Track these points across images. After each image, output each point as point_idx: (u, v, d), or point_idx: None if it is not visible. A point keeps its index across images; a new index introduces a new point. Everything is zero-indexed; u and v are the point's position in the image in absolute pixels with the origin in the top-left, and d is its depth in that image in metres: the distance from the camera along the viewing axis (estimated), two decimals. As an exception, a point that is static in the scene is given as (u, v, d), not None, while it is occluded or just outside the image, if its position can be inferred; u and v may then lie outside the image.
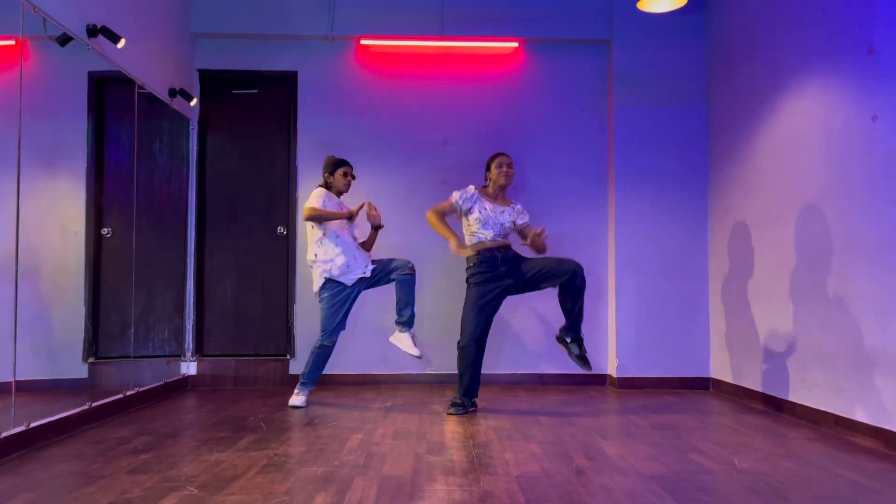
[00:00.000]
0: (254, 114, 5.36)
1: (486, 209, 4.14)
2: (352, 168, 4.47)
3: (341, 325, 4.27)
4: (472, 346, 4.02)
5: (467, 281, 4.15)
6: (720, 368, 4.92)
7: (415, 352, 4.25)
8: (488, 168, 4.27)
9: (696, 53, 5.21)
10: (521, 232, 4.26)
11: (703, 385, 5.07)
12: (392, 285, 4.34)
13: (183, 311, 5.07)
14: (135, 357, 4.22)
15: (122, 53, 4.01)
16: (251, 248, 5.29)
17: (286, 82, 5.33)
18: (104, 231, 3.91)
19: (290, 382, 5.13)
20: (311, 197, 4.21)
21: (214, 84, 5.33)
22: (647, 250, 5.12)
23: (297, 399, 4.28)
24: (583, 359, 4.08)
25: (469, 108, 5.32)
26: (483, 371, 5.13)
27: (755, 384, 4.37)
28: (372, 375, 5.15)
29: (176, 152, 4.94)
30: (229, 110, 5.34)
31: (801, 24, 3.90)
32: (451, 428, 3.60)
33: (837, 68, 3.57)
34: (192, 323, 5.16)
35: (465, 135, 5.29)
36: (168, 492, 2.41)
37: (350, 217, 4.26)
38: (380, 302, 4.97)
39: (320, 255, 4.22)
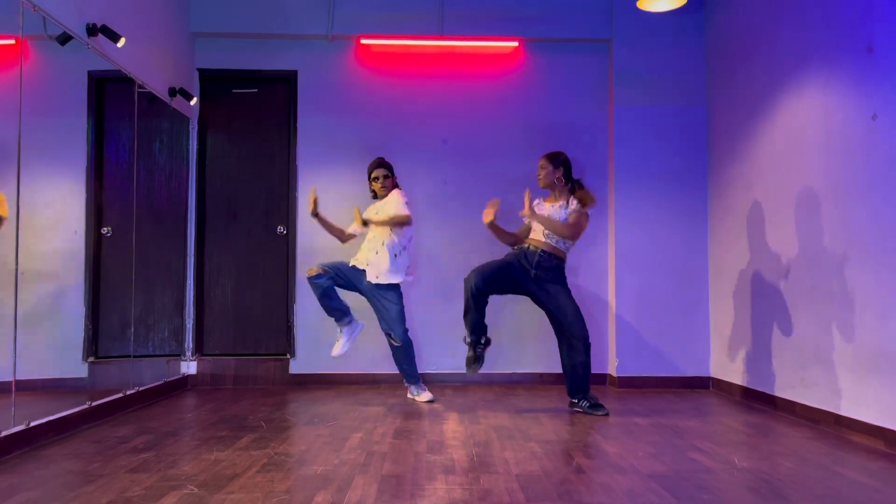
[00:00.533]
0: (254, 113, 5.36)
1: (542, 210, 4.14)
2: (380, 169, 4.52)
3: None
4: (473, 276, 3.94)
5: (564, 277, 4.14)
6: (720, 368, 4.92)
7: (426, 397, 4.41)
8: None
9: (696, 52, 5.21)
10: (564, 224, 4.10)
11: (704, 384, 5.07)
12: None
13: (183, 310, 5.07)
14: (135, 356, 4.22)
15: (121, 52, 4.01)
16: (251, 248, 5.29)
17: (286, 82, 5.33)
18: (104, 230, 3.91)
19: (290, 382, 5.14)
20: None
21: (214, 83, 5.33)
22: (647, 249, 5.12)
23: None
24: (596, 406, 4.02)
25: (469, 107, 5.32)
26: (483, 370, 5.16)
27: (755, 383, 4.37)
28: (372, 375, 5.15)
29: (176, 152, 4.93)
30: (229, 110, 5.34)
31: (801, 23, 3.90)
32: (451, 427, 3.60)
33: (837, 67, 3.57)
34: (191, 322, 5.16)
35: (465, 134, 5.29)
36: (168, 490, 2.41)
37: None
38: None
39: (402, 259, 4.42)
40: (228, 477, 2.59)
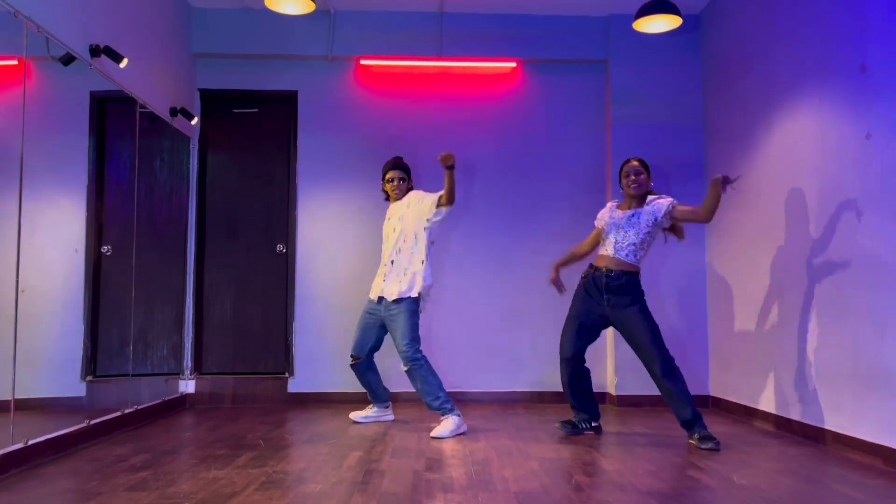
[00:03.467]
0: (254, 132, 5.40)
1: (613, 216, 3.82)
2: (396, 171, 4.22)
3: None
4: (562, 365, 3.84)
5: (643, 303, 3.79)
6: (719, 386, 4.92)
7: (460, 430, 3.91)
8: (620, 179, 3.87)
9: (692, 72, 5.26)
10: (683, 211, 3.69)
11: (703, 403, 5.06)
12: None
13: (182, 328, 5.07)
14: (133, 375, 4.21)
15: (124, 73, 4.05)
16: (250, 266, 5.31)
17: (286, 101, 5.38)
18: (104, 249, 3.92)
19: (289, 400, 5.13)
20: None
21: (215, 103, 5.38)
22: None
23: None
24: (706, 438, 3.55)
25: (467, 127, 5.36)
26: (480, 389, 5.18)
27: (754, 402, 4.37)
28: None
29: (176, 170, 4.97)
30: (230, 129, 5.38)
31: (795, 42, 3.95)
32: (450, 446, 3.60)
33: (831, 86, 3.61)
34: (190, 340, 5.16)
35: (463, 154, 5.33)
36: (166, 508, 2.41)
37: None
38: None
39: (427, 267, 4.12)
40: (227, 495, 2.59)
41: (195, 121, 5.07)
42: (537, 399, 5.19)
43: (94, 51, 3.70)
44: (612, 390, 5.13)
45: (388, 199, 4.33)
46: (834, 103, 3.59)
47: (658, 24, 4.34)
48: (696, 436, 3.57)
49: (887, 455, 3.13)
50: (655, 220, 3.71)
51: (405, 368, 3.99)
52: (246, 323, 5.27)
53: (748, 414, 4.43)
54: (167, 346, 4.80)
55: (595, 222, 4.01)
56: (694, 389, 5.06)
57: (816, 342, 3.69)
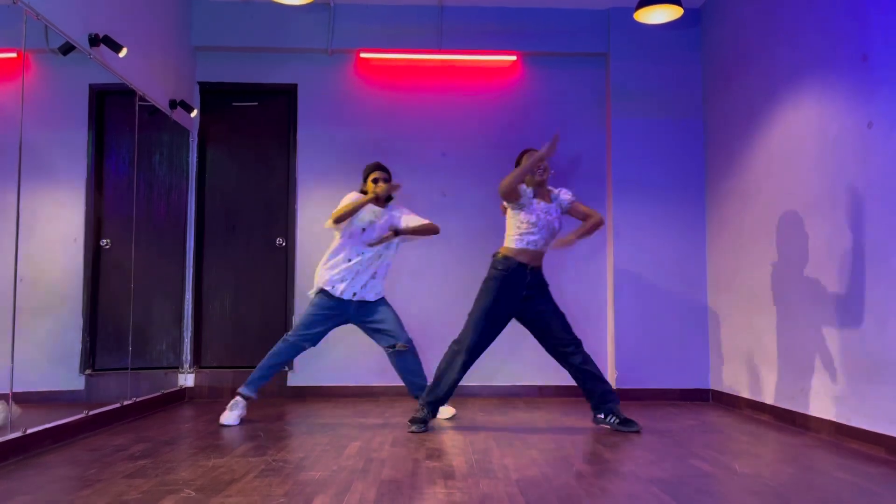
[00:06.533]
0: (254, 126, 5.39)
1: (538, 209, 3.76)
2: (381, 171, 4.14)
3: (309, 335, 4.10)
4: (464, 358, 3.74)
5: (487, 281, 3.78)
6: (719, 379, 4.91)
7: (449, 413, 4.14)
8: (518, 164, 3.86)
9: (692, 66, 5.26)
10: (573, 211, 3.88)
11: (703, 396, 5.05)
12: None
13: (181, 322, 5.06)
14: (132, 369, 4.20)
15: (123, 64, 4.04)
16: (250, 260, 5.29)
17: (286, 95, 5.37)
18: (103, 242, 3.91)
19: (289, 394, 5.12)
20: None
21: (215, 96, 5.37)
22: (645, 262, 5.13)
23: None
24: (626, 422, 3.72)
25: (467, 120, 5.35)
26: (481, 383, 5.17)
27: (755, 394, 4.36)
28: (370, 388, 5.13)
29: (175, 164, 4.95)
30: (229, 122, 5.37)
31: (795, 34, 3.94)
32: (450, 435, 3.58)
33: (832, 77, 3.61)
34: (189, 334, 5.15)
35: (463, 147, 5.32)
36: (165, 494, 2.39)
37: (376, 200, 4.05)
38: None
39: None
40: (226, 482, 2.57)
41: (195, 113, 5.06)
42: (537, 393, 5.18)
43: (94, 40, 3.69)
44: (612, 384, 5.11)
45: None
46: (835, 94, 3.58)
47: (659, 14, 4.34)
48: (615, 419, 3.74)
49: (889, 444, 3.12)
50: (559, 217, 3.87)
51: (405, 348, 4.09)
52: (245, 316, 5.26)
53: (749, 406, 4.42)
54: (166, 339, 4.78)
55: (523, 188, 3.76)
56: (694, 383, 5.07)
57: (817, 333, 3.68)
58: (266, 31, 5.23)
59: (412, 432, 3.66)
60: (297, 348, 4.08)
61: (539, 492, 2.46)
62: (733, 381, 4.68)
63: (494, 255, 3.83)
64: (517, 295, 3.75)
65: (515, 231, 3.77)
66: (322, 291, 4.07)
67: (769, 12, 4.24)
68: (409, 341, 4.13)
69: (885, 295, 3.16)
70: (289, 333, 4.10)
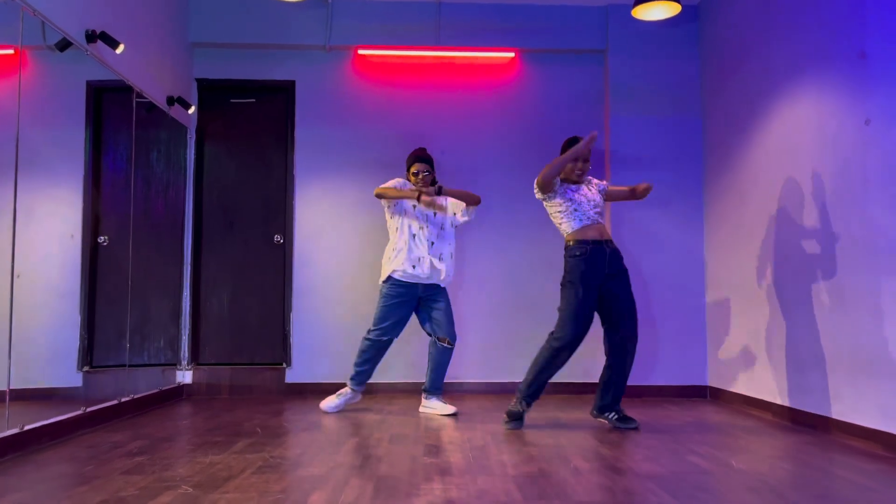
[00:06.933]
0: (251, 123, 5.38)
1: (572, 189, 3.78)
2: (421, 164, 4.20)
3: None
4: (567, 353, 3.70)
5: (567, 273, 3.71)
6: (717, 376, 4.91)
7: (449, 410, 4.18)
8: (563, 152, 3.83)
9: (691, 63, 5.25)
10: (613, 193, 3.93)
11: (701, 393, 5.05)
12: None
13: (179, 319, 5.05)
14: (130, 366, 4.19)
15: (120, 61, 4.03)
16: (248, 257, 5.29)
17: (284, 92, 5.36)
18: (101, 239, 3.91)
19: (287, 391, 5.12)
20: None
21: (212, 93, 5.36)
22: (642, 258, 5.13)
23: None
24: (625, 419, 3.75)
25: (466, 117, 5.35)
26: (477, 380, 5.17)
27: (752, 391, 4.37)
28: (368, 384, 5.12)
29: (173, 161, 4.95)
30: (227, 119, 5.36)
31: (794, 31, 3.94)
32: (448, 433, 3.59)
33: (830, 74, 3.60)
34: (187, 331, 5.14)
35: (462, 144, 5.32)
36: (162, 490, 2.39)
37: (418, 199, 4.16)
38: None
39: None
40: (223, 478, 2.57)
41: (192, 110, 5.05)
42: (535, 390, 5.17)
43: (91, 36, 3.68)
44: (610, 381, 5.12)
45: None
46: (833, 91, 3.58)
47: (657, 11, 4.33)
48: (615, 416, 3.76)
49: (886, 440, 3.12)
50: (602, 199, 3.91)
51: (450, 346, 4.24)
52: (243, 313, 5.25)
53: (746, 403, 4.43)
54: (164, 336, 4.78)
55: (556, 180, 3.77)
56: (692, 380, 5.08)
57: (814, 330, 3.69)
58: (264, 27, 5.22)
59: (509, 430, 3.65)
60: (380, 344, 4.23)
61: (536, 487, 2.47)
62: (731, 377, 4.68)
63: (565, 248, 3.79)
64: (601, 272, 3.69)
65: (563, 218, 3.78)
66: (390, 279, 4.17)
67: (767, 9, 4.23)
68: (454, 340, 4.26)
69: (884, 290, 3.16)
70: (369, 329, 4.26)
